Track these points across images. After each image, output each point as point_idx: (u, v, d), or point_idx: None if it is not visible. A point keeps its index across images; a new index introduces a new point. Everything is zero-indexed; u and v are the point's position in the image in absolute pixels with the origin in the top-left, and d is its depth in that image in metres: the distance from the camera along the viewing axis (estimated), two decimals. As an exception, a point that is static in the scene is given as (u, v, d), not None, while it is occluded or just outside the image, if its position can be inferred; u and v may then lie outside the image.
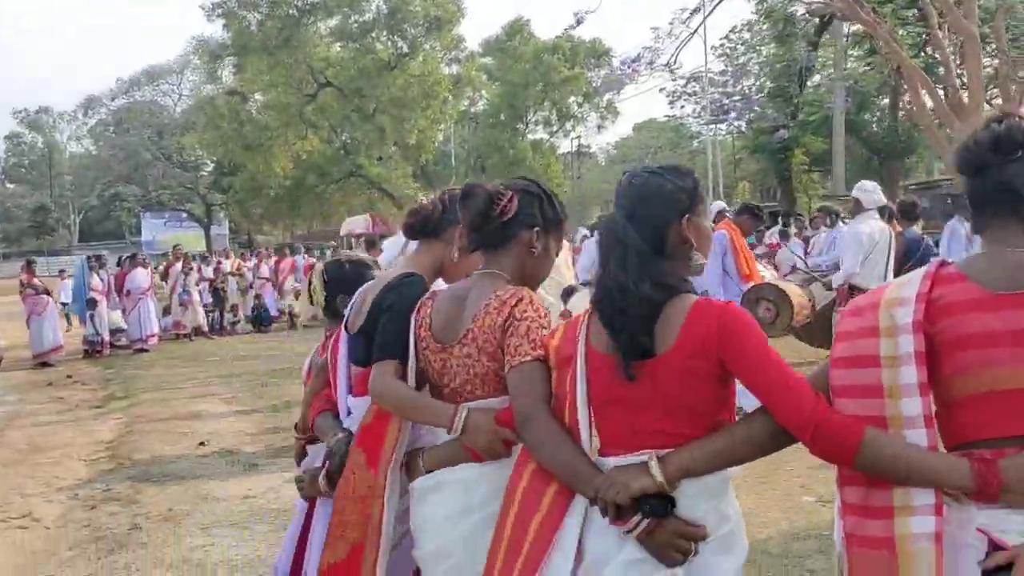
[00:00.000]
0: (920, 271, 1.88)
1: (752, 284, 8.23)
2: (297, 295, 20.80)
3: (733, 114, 37.72)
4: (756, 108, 27.81)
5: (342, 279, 3.32)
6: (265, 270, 21.95)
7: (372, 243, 15.66)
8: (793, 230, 18.25)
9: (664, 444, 2.00)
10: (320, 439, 2.98)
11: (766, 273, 9.46)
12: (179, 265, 18.72)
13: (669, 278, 2.05)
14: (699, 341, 1.97)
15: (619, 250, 2.07)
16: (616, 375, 2.05)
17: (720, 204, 12.50)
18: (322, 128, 35.72)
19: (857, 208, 8.20)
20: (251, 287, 21.40)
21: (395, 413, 2.49)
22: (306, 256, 24.09)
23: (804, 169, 28.24)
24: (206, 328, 18.99)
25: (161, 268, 21.65)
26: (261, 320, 20.27)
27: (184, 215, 52.59)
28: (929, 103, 18.13)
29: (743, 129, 37.72)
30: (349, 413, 2.83)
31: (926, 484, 1.76)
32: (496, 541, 2.17)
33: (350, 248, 24.67)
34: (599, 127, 42.59)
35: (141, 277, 17.37)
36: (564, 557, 2.04)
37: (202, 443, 8.46)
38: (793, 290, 8.49)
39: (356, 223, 29.43)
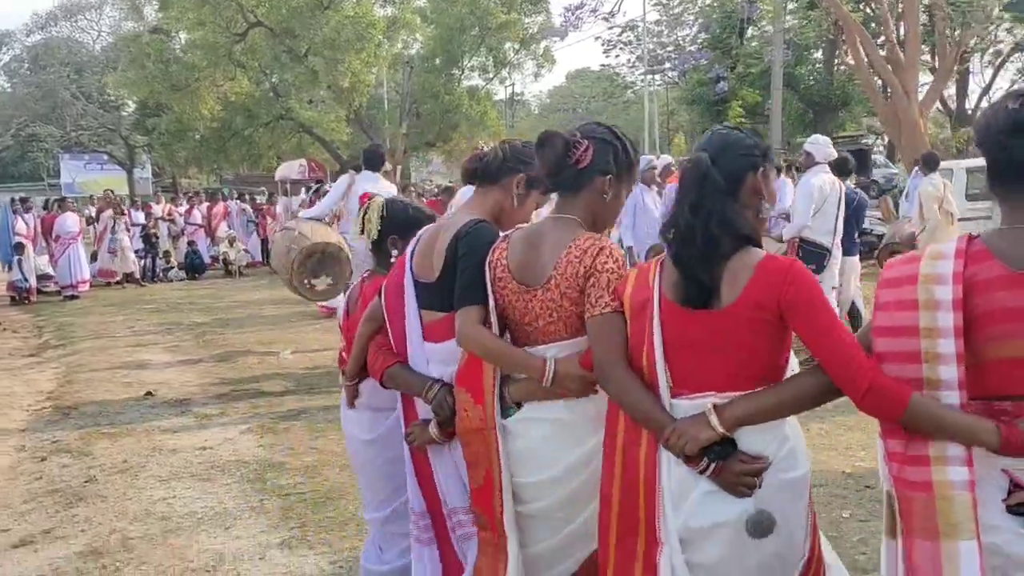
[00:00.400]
0: (950, 247, 2.04)
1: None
2: (231, 242, 20.43)
3: (668, 64, 37.78)
4: (693, 60, 27.86)
5: (402, 221, 3.36)
6: (197, 216, 21.48)
7: (317, 190, 15.31)
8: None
9: (728, 384, 2.21)
10: (401, 390, 3.03)
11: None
12: (111, 210, 18.12)
13: (742, 227, 2.23)
14: (764, 296, 2.16)
15: (702, 186, 2.23)
16: (686, 322, 2.24)
17: (668, 158, 12.57)
18: (251, 69, 34.69)
19: (809, 161, 8.29)
20: (183, 233, 20.92)
21: (484, 359, 2.65)
22: (239, 202, 23.59)
23: (740, 122, 28.43)
24: (137, 275, 18.50)
25: (89, 212, 20.97)
26: (194, 267, 19.86)
27: (105, 157, 50.65)
28: (866, 57, 18.44)
29: (676, 80, 37.82)
30: (427, 361, 2.91)
31: (959, 440, 1.98)
32: (607, 479, 2.41)
33: (285, 194, 24.28)
34: (536, 75, 42.33)
35: (71, 221, 16.82)
36: (671, 500, 2.26)
37: (149, 393, 8.28)
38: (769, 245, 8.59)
39: (291, 168, 28.96)
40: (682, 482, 2.25)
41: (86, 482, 5.85)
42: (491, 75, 38.99)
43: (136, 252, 18.79)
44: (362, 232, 3.40)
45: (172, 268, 19.76)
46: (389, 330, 3.06)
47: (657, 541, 2.28)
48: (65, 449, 6.62)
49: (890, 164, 30.72)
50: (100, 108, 50.16)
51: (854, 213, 8.74)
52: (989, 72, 39.44)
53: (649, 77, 37.72)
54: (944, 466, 1.99)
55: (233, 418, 7.33)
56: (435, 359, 2.89)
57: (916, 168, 12.68)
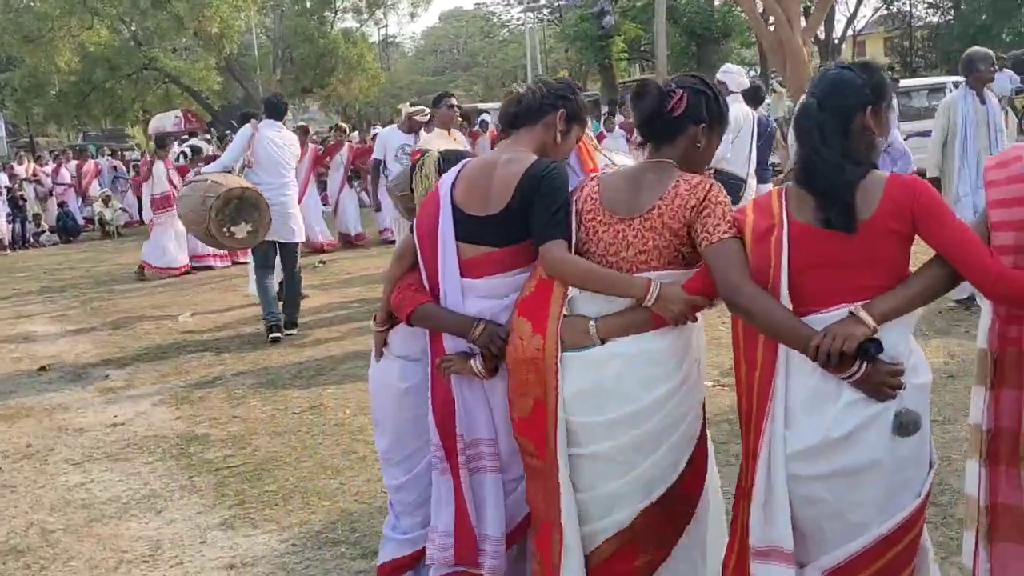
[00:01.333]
0: None
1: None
2: (106, 201, 19.31)
3: (543, 1, 37.39)
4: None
5: None
6: (66, 175, 20.21)
7: (163, 143, 14.46)
8: (619, 119, 18.42)
9: (859, 297, 2.32)
10: (434, 328, 2.90)
11: (627, 160, 9.39)
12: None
13: (859, 159, 2.37)
14: (898, 208, 2.30)
15: (816, 133, 2.37)
16: (820, 243, 2.35)
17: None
18: (108, 17, 32.82)
19: (723, 92, 8.15)
20: (52, 194, 19.65)
21: (579, 286, 2.63)
22: (110, 158, 22.33)
23: (622, 57, 28.40)
24: (7, 241, 17.30)
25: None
26: (68, 229, 18.73)
27: (-48, 117, 47.51)
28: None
29: (551, 19, 37.49)
30: (462, 294, 2.82)
31: None
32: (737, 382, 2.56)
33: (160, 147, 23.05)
34: (412, 15, 41.39)
35: (-73, 187, 15.56)
36: (780, 402, 2.41)
37: (43, 368, 7.66)
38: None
39: (165, 120, 27.56)
40: (816, 395, 2.35)
41: (-12, 472, 5.34)
42: (365, 16, 37.91)
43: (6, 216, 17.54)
44: (421, 188, 3.21)
45: (44, 232, 18.57)
46: (422, 264, 2.93)
47: (756, 455, 2.43)
48: (-43, 436, 6.04)
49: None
50: (-58, 64, 46.70)
51: (767, 139, 8.72)
52: (854, 1, 40.55)
53: (525, 15, 37.36)
54: None
55: (141, 390, 6.84)
56: (474, 293, 2.82)
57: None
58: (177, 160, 13.85)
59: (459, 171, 2.93)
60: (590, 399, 2.60)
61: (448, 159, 3.22)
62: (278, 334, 7.87)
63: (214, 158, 13.22)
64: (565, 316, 2.64)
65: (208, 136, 21.44)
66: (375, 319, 3.21)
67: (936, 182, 7.34)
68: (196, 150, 14.51)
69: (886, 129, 2.47)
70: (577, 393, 2.61)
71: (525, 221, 2.71)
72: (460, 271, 2.83)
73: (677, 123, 2.61)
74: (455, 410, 2.89)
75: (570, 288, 2.66)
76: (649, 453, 2.57)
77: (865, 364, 2.29)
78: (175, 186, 12.46)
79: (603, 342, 2.59)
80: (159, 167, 12.69)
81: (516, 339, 2.70)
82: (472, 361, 2.80)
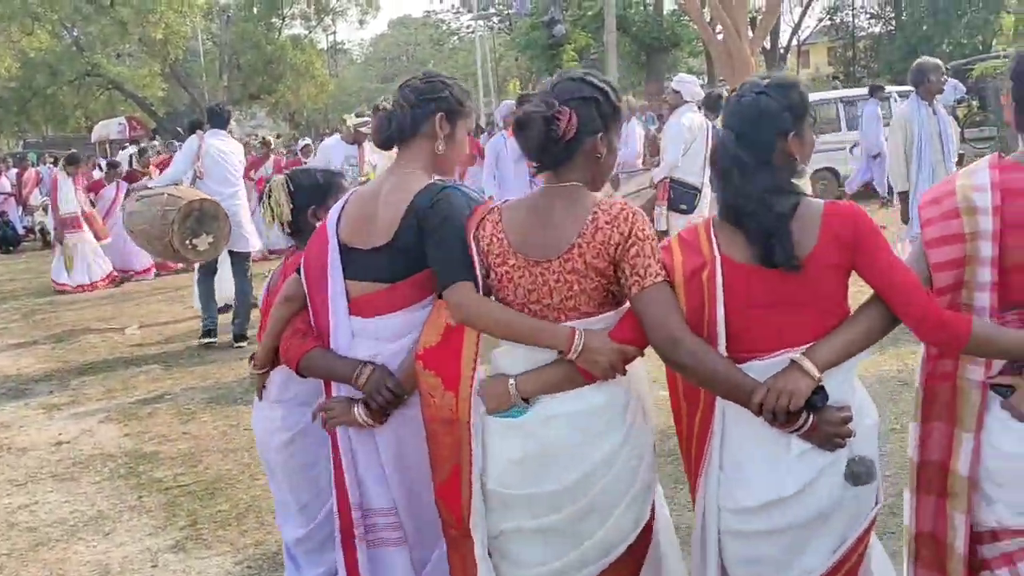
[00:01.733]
0: (984, 161, 2.26)
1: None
2: (46, 209, 18.84)
3: (492, 10, 37.45)
4: (517, 6, 27.64)
5: (314, 188, 3.01)
6: (6, 183, 19.69)
7: (75, 160, 13.97)
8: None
9: (805, 339, 2.18)
10: (323, 378, 2.67)
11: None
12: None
13: (787, 185, 2.23)
14: (839, 240, 2.16)
15: (736, 170, 2.21)
16: (758, 282, 2.19)
17: (510, 103, 12.28)
18: (49, 22, 32.28)
19: (677, 100, 8.20)
20: (-10, 203, 19.15)
21: (494, 335, 2.38)
22: (51, 166, 21.79)
23: (572, 66, 28.52)
24: (-57, 251, 16.84)
25: None
26: (7, 240, 18.27)
27: None
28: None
29: (502, 27, 37.49)
30: (352, 335, 2.59)
31: (1011, 358, 2.19)
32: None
33: (105, 155, 22.64)
34: (361, 22, 41.22)
35: None
36: (714, 462, 2.30)
37: (-18, 385, 7.45)
38: (607, 189, 8.47)
39: (109, 128, 27.03)
40: (764, 444, 2.22)
41: (-75, 495, 5.14)
42: (313, 23, 37.67)
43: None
44: (271, 217, 3.02)
45: (-19, 242, 18.09)
46: (311, 306, 2.70)
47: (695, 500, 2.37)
48: None
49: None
50: None
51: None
52: (798, 11, 41.18)
53: (475, 23, 37.36)
54: (967, 363, 2.25)
55: (87, 406, 6.65)
56: (365, 335, 2.58)
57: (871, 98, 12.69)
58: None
59: (344, 204, 2.70)
60: (526, 469, 2.32)
61: (299, 178, 3.06)
62: (213, 339, 8.06)
63: (136, 171, 13.09)
64: (485, 378, 2.40)
65: (151, 143, 21.05)
66: (252, 360, 3.01)
67: (905, 196, 7.37)
68: (113, 164, 14.31)
69: (810, 151, 2.31)
70: (513, 462, 2.33)
71: (415, 253, 2.48)
72: (349, 310, 2.60)
73: (571, 144, 2.30)
74: (345, 476, 2.64)
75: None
76: (604, 519, 2.32)
77: (812, 416, 2.15)
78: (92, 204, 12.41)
79: (527, 401, 2.32)
80: (67, 185, 12.13)
81: (427, 395, 2.45)
82: (355, 408, 2.55)
